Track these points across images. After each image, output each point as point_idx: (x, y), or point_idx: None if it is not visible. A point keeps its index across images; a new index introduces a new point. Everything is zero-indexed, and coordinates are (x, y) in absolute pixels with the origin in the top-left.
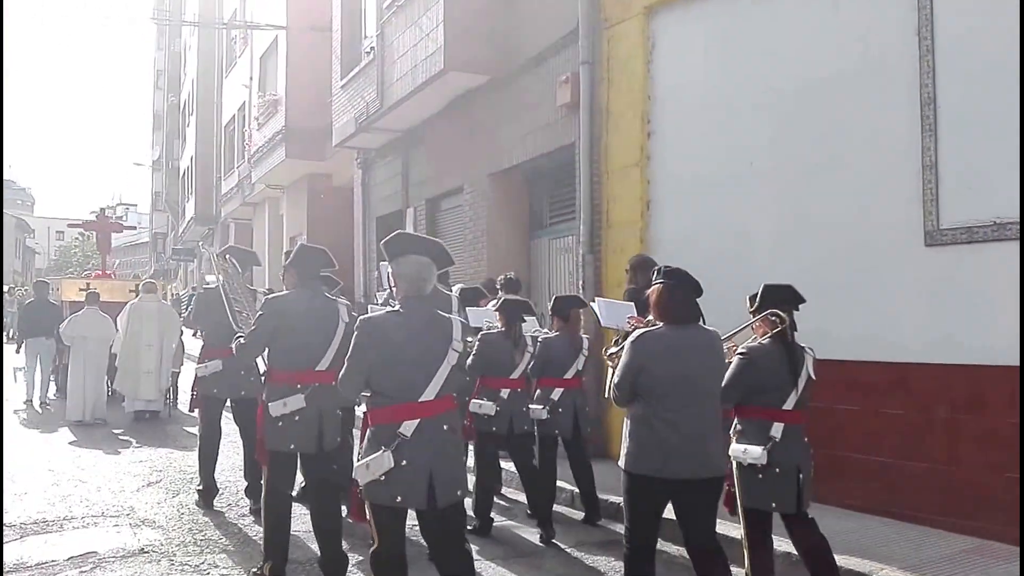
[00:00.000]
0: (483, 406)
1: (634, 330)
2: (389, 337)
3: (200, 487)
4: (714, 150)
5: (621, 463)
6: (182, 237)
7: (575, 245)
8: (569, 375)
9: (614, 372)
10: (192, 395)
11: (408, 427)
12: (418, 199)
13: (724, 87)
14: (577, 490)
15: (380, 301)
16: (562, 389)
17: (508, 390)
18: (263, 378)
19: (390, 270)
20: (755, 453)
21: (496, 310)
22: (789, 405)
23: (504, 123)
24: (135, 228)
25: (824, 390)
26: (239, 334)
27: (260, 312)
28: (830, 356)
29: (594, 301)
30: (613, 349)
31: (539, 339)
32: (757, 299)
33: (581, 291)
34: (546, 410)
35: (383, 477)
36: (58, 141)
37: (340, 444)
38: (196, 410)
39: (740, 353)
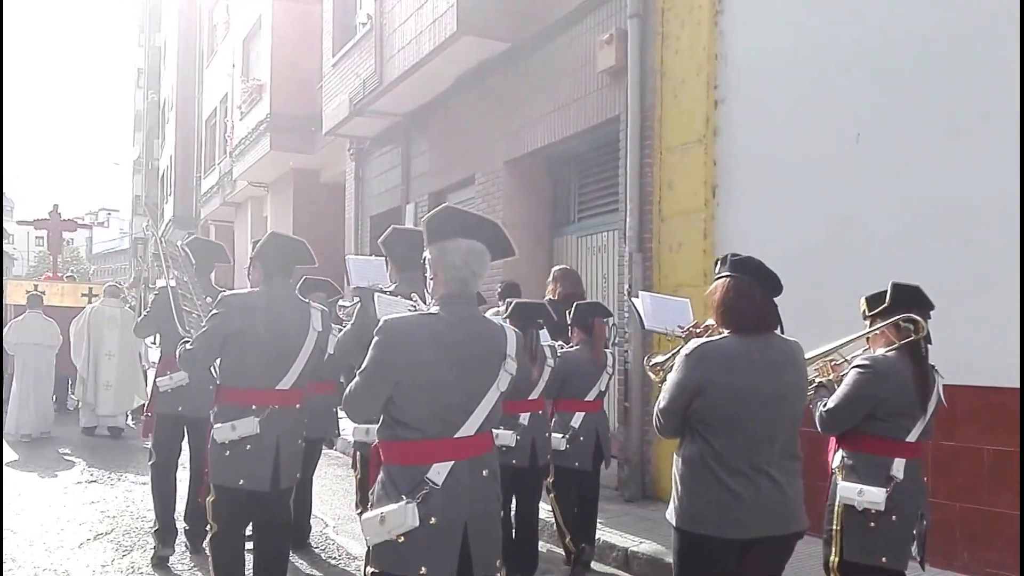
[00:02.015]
0: (499, 435)
1: (688, 336)
2: (422, 351)
3: (156, 528)
4: (804, 120)
5: (670, 516)
6: (162, 241)
7: (616, 242)
8: (591, 397)
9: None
10: (145, 416)
11: (439, 472)
12: (420, 193)
13: (817, 40)
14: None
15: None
16: (583, 414)
17: (528, 413)
18: (214, 396)
19: (429, 257)
20: (874, 496)
21: (506, 316)
22: (914, 436)
23: (526, 99)
24: (89, 227)
25: (959, 424)
26: (185, 338)
27: (213, 311)
28: (964, 381)
29: (636, 296)
30: (660, 358)
31: (557, 352)
32: (886, 300)
33: (628, 296)
34: (565, 439)
35: (402, 538)
36: (40, 146)
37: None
38: (149, 435)
39: (860, 365)
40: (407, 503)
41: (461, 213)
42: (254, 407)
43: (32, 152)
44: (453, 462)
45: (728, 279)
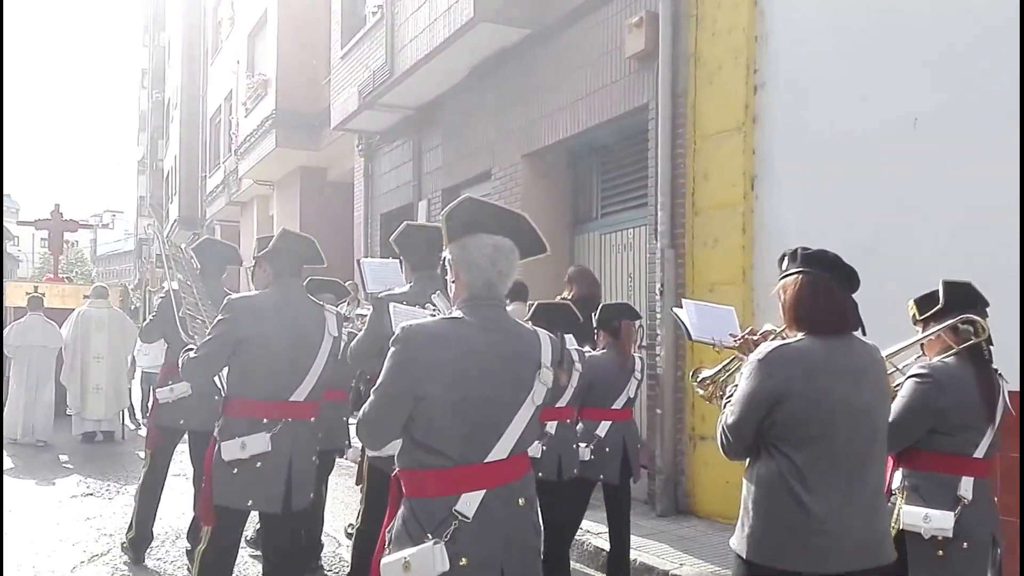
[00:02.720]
0: None
1: (744, 346)
2: (448, 360)
3: (132, 535)
4: (854, 105)
5: (738, 547)
6: (166, 242)
7: (645, 238)
8: (618, 405)
9: (723, 406)
10: (149, 429)
11: (469, 503)
12: (433, 190)
13: (867, 18)
14: (607, 550)
15: (383, 294)
16: (610, 422)
17: (555, 422)
18: (221, 407)
19: (449, 257)
20: (941, 521)
21: (527, 319)
22: (981, 452)
23: (545, 89)
24: (91, 228)
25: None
26: (189, 345)
27: (220, 316)
28: None
29: (680, 306)
30: (708, 372)
31: (584, 357)
32: (939, 301)
33: (659, 296)
34: (590, 449)
35: None
36: (44, 147)
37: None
38: (151, 449)
39: (918, 375)
40: (434, 543)
41: (485, 205)
42: (265, 421)
43: (36, 154)
44: (484, 491)
45: (801, 275)
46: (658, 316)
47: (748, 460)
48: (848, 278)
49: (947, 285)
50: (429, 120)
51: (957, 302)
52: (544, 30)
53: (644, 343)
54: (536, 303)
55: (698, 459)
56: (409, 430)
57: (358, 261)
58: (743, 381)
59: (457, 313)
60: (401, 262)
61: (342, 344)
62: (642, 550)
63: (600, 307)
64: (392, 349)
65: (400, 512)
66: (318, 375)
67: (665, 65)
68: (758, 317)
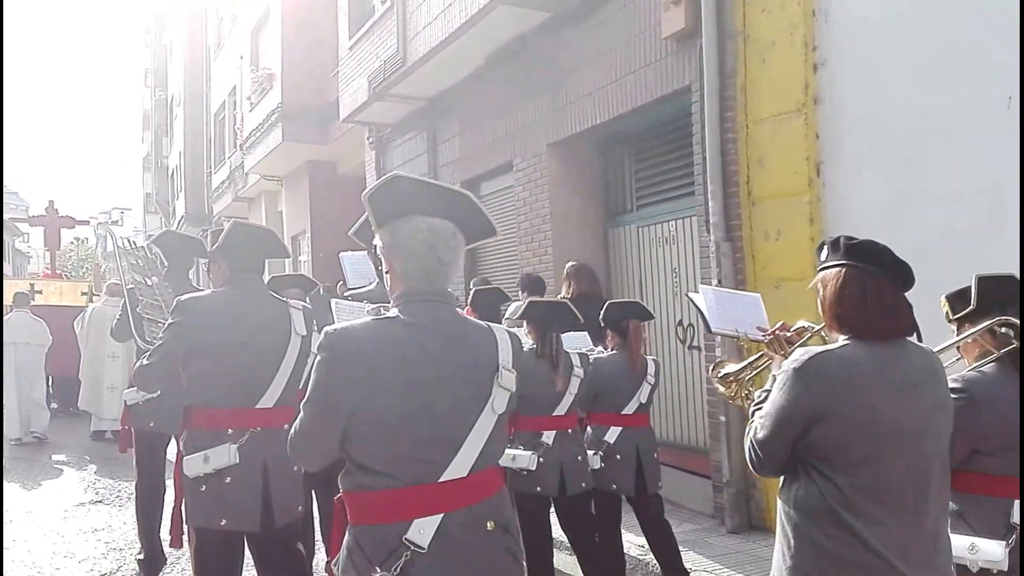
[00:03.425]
0: (517, 458)
1: (775, 342)
2: (379, 368)
3: (141, 556)
4: (934, 85)
5: None
6: (123, 241)
7: (692, 230)
8: (629, 410)
9: (751, 413)
10: (122, 431)
11: (423, 530)
12: (451, 183)
13: None
14: (653, 559)
15: (348, 293)
16: (619, 429)
17: (552, 432)
18: (183, 420)
19: (379, 244)
20: (992, 552)
21: (520, 316)
22: None
23: (572, 74)
24: (88, 223)
25: None
26: (147, 351)
27: (170, 320)
28: None
29: (695, 291)
30: (731, 368)
31: (589, 359)
32: (973, 298)
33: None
34: (599, 456)
35: None
36: (53, 148)
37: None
38: (127, 451)
39: (953, 390)
40: None
41: (417, 183)
42: (230, 431)
43: (42, 154)
44: (442, 515)
45: (843, 269)
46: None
47: (782, 477)
48: (901, 274)
49: (981, 281)
50: (444, 110)
51: (992, 301)
52: (568, 12)
53: (695, 343)
54: (528, 300)
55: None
56: (346, 448)
57: (339, 255)
58: (776, 392)
59: (393, 312)
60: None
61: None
62: (709, 570)
63: (606, 306)
64: (317, 358)
65: (345, 541)
66: (287, 378)
67: (710, 44)
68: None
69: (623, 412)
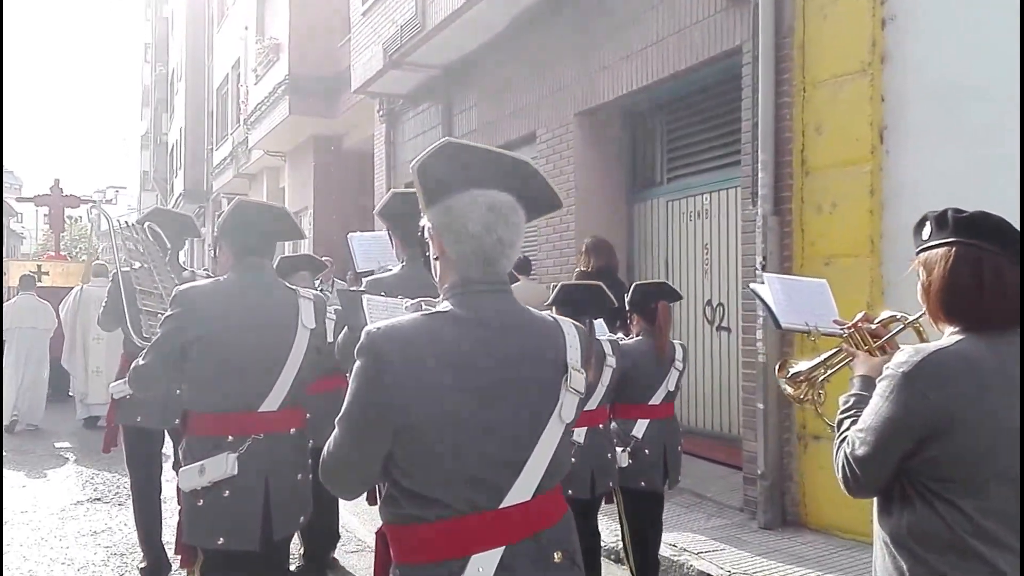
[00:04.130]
0: None
1: (857, 336)
2: (434, 374)
3: (143, 564)
4: (1016, 43)
5: None
6: (99, 238)
7: (727, 203)
8: (657, 400)
9: (838, 424)
10: (108, 427)
11: (483, 567)
12: None
13: None
14: (687, 559)
15: (368, 280)
16: (647, 421)
17: (584, 428)
18: (180, 426)
19: (429, 225)
20: None
21: (550, 304)
22: None
23: (607, 37)
24: (93, 202)
25: None
26: (143, 348)
27: (167, 312)
28: None
29: (759, 281)
30: (801, 366)
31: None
32: None
33: (760, 271)
34: (627, 452)
35: None
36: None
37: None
38: (113, 449)
39: None
40: None
41: (469, 148)
42: (230, 439)
43: (38, 130)
44: (503, 548)
45: (953, 247)
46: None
47: (878, 501)
48: (1019, 252)
49: None
50: (461, 79)
51: None
52: None
53: (724, 324)
54: (560, 284)
55: (810, 462)
56: (391, 473)
57: (347, 236)
58: (880, 400)
59: (444, 306)
60: (391, 240)
61: (326, 334)
62: (749, 571)
63: (632, 287)
64: (356, 363)
65: None
66: (292, 378)
67: None
68: (890, 299)
69: (650, 403)
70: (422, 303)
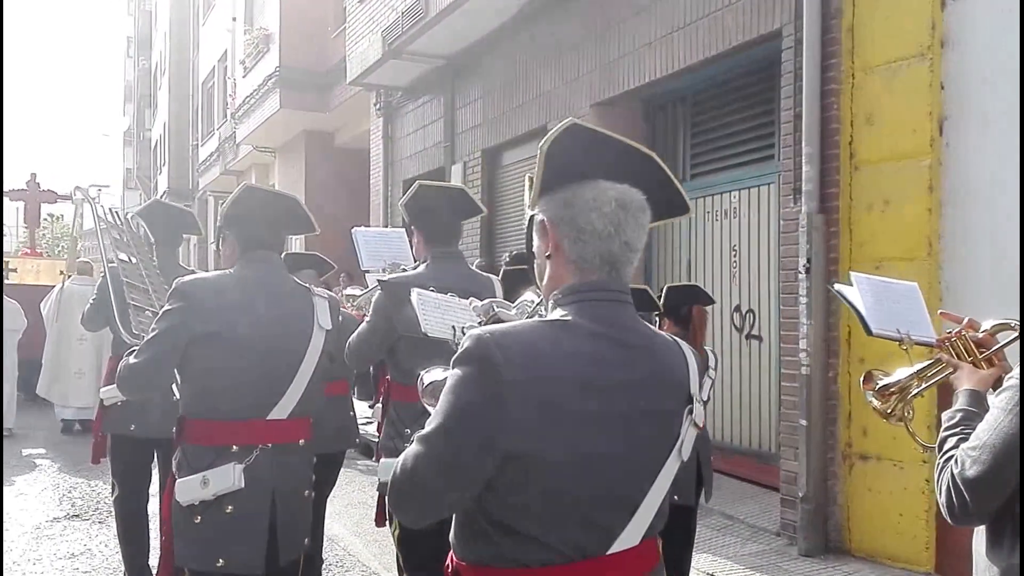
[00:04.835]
0: None
1: (958, 344)
2: (558, 393)
3: None
4: None
5: None
6: (80, 225)
7: (756, 201)
8: None
9: (942, 443)
10: (95, 437)
11: None
12: (471, 151)
13: None
14: None
15: (391, 276)
16: None
17: None
18: (175, 434)
19: (542, 218)
20: None
21: None
22: None
23: (626, 22)
24: (70, 198)
25: None
26: (132, 347)
27: (167, 305)
28: None
29: (844, 283)
30: (891, 378)
31: None
32: None
33: (804, 274)
34: None
35: None
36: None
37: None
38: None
39: None
40: None
41: (604, 137)
42: (235, 448)
43: (17, 127)
44: None
45: None
46: (801, 300)
47: (987, 531)
48: None
49: None
50: (465, 70)
51: None
52: None
53: (755, 332)
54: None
55: (856, 484)
56: (486, 506)
57: (351, 231)
58: (1001, 415)
59: (560, 313)
60: (412, 234)
61: (340, 337)
62: None
63: (665, 290)
64: (459, 372)
65: None
66: (306, 383)
67: None
68: (949, 306)
69: None
70: (493, 304)
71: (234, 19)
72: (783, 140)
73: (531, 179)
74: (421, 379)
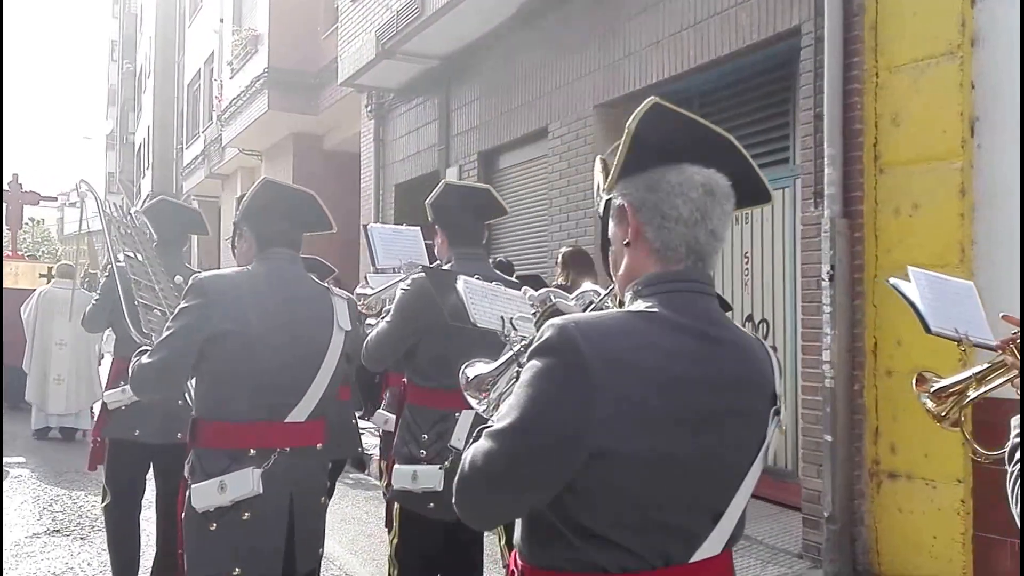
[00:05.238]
0: None
1: (1008, 347)
2: (649, 389)
3: None
4: None
5: None
6: (89, 221)
7: (771, 207)
8: None
9: (1015, 452)
10: (94, 443)
11: None
12: (466, 154)
13: None
14: None
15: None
16: None
17: None
18: (188, 437)
19: (622, 203)
20: None
21: None
22: None
23: (634, 19)
24: (55, 199)
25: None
26: (143, 346)
27: (183, 303)
28: None
29: (901, 278)
30: (948, 380)
31: None
32: None
33: (827, 281)
34: None
35: None
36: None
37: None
38: (99, 466)
39: None
40: None
41: (688, 118)
42: (252, 452)
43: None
44: None
45: None
46: (825, 309)
47: None
48: None
49: None
50: (462, 71)
51: None
52: None
53: (769, 343)
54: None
55: (885, 503)
56: (564, 508)
57: (364, 227)
58: None
59: (644, 304)
60: (434, 233)
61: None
62: None
63: None
64: (539, 364)
65: None
66: (326, 385)
67: None
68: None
69: None
70: (551, 294)
71: (221, 20)
72: (802, 142)
73: (604, 161)
74: (464, 373)
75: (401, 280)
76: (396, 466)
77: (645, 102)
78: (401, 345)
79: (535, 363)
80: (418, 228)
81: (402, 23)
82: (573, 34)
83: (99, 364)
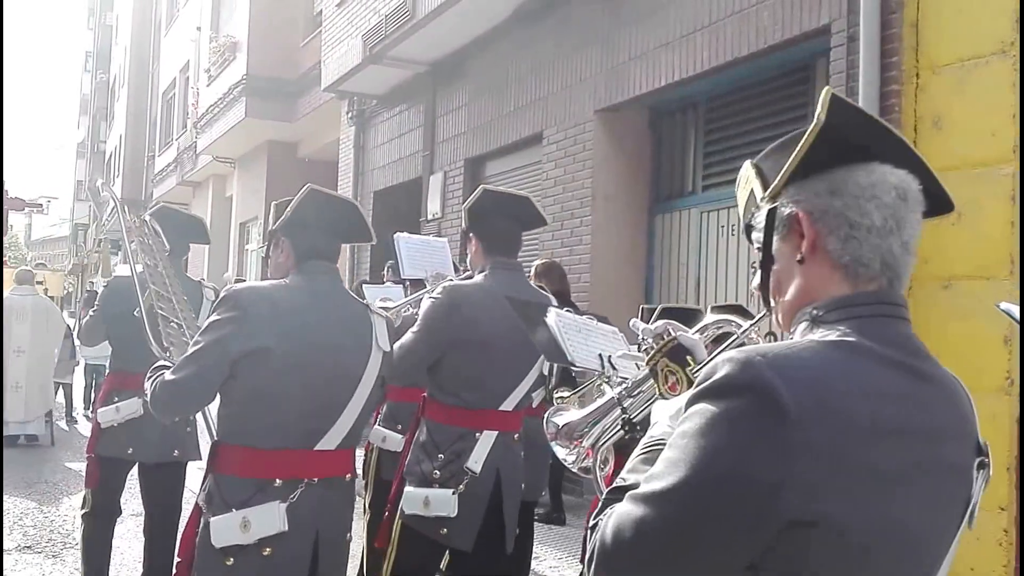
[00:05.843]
0: None
1: None
2: (867, 455)
3: None
4: None
5: None
6: (104, 226)
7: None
8: None
9: None
10: (87, 457)
11: None
12: (452, 161)
13: None
14: None
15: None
16: None
17: None
18: (208, 461)
19: (794, 211)
20: None
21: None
22: None
23: (638, 21)
24: (37, 206)
25: None
26: (160, 361)
27: (216, 315)
28: None
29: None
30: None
31: None
32: None
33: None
34: None
35: None
36: None
37: None
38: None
39: None
40: None
41: (866, 113)
42: (278, 483)
43: None
44: None
45: None
46: None
47: None
48: None
49: None
50: (450, 77)
51: None
52: None
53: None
54: (660, 307)
55: None
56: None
57: (394, 236)
58: None
59: (836, 334)
60: (470, 242)
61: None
62: None
63: (658, 311)
64: (717, 409)
65: None
66: (360, 410)
67: None
68: None
69: None
70: (669, 327)
71: (198, 28)
72: None
73: (758, 166)
74: (550, 421)
75: (426, 292)
76: (407, 488)
77: (823, 92)
78: (428, 359)
79: (707, 407)
80: (446, 240)
81: (391, 27)
82: (573, 37)
83: (72, 368)
